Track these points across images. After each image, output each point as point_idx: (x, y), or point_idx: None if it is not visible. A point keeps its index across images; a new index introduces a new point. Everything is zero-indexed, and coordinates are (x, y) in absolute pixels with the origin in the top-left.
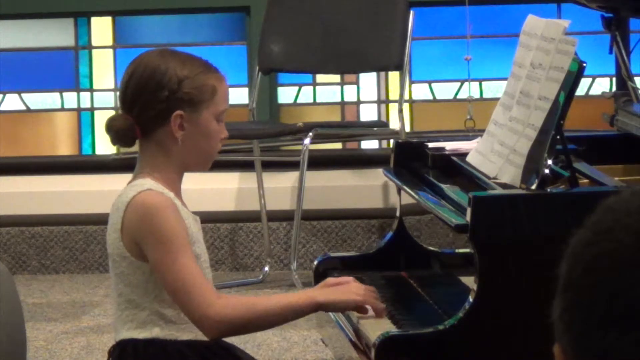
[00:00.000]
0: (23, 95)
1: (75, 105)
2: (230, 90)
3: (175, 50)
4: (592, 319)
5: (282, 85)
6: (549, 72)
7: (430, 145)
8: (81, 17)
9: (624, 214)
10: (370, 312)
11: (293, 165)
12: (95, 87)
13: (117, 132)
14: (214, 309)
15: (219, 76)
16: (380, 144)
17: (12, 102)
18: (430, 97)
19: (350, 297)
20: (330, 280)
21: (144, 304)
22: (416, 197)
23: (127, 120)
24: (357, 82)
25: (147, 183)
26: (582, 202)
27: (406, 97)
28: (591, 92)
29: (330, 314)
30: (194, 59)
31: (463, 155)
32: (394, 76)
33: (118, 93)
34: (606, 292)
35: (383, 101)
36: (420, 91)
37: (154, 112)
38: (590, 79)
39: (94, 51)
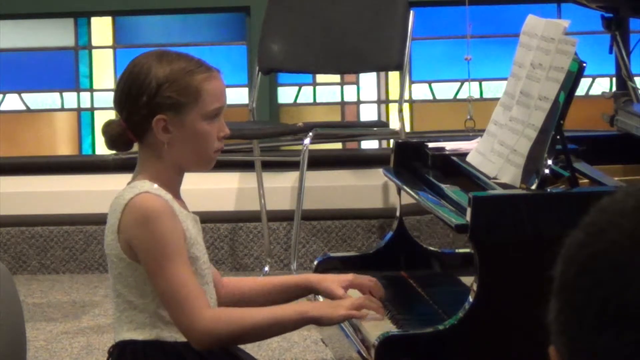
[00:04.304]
0: (23, 95)
1: (75, 105)
2: (230, 90)
3: (166, 52)
4: (587, 321)
5: (282, 85)
6: (549, 72)
7: (430, 145)
8: (81, 17)
9: (618, 214)
10: (371, 314)
11: (293, 165)
12: (95, 87)
13: (111, 137)
14: (202, 322)
15: (208, 75)
16: (380, 144)
17: (12, 102)
18: (430, 97)
19: (342, 313)
20: (329, 276)
21: (142, 305)
22: (416, 197)
23: (120, 125)
24: (357, 82)
25: (145, 185)
26: (582, 202)
27: (406, 97)
28: (591, 92)
29: None
30: (181, 59)
31: (463, 155)
32: (394, 76)
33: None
34: (600, 293)
35: (383, 101)
36: (420, 91)
37: (138, 117)
38: (590, 79)
39: (94, 51)
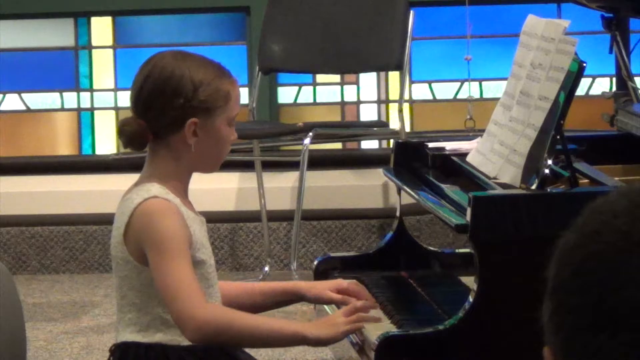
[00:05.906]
0: (23, 95)
1: (75, 105)
2: None
3: (190, 54)
4: (581, 322)
5: (282, 85)
6: (549, 72)
7: (430, 145)
8: (81, 17)
9: (611, 215)
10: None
11: (293, 165)
12: (95, 87)
13: (129, 136)
14: (200, 312)
15: (232, 80)
16: (380, 144)
17: (12, 102)
18: (430, 97)
19: (338, 334)
20: (318, 283)
21: (146, 308)
22: (416, 197)
23: (139, 124)
24: (357, 82)
25: (154, 188)
26: (582, 202)
27: (406, 97)
28: (591, 92)
29: (329, 311)
30: (208, 63)
31: (463, 155)
32: (394, 76)
33: (130, 94)
34: (595, 294)
35: (383, 101)
36: (420, 91)
37: (169, 118)
38: (590, 79)
39: (94, 51)
